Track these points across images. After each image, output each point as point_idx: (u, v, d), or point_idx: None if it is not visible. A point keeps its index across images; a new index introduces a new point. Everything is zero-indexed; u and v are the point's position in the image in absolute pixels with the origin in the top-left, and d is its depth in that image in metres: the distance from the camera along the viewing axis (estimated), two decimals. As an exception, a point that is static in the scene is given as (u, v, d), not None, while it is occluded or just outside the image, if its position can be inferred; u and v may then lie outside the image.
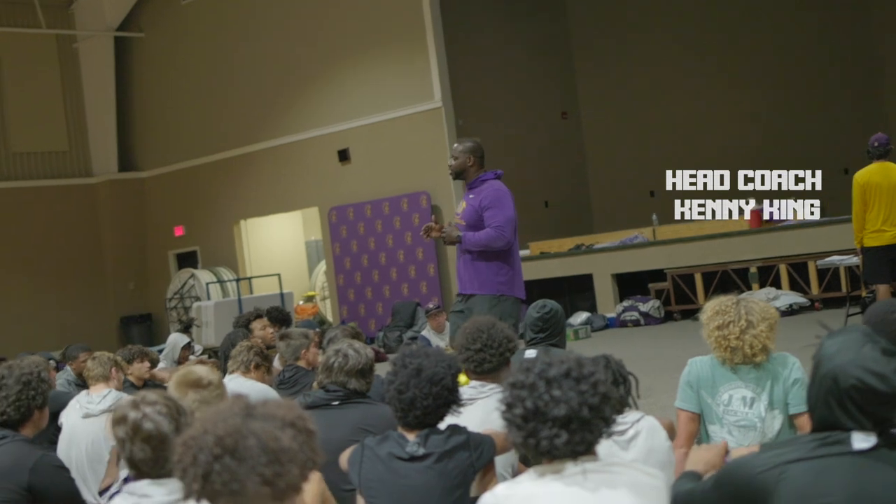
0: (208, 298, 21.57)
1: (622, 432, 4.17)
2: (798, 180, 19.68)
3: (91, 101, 25.08)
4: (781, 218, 16.77)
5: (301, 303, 23.22)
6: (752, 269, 16.46)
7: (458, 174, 8.41)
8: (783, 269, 16.16)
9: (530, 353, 5.86)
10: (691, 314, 16.66)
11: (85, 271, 24.71)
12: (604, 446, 4.10)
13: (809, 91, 22.13)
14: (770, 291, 15.86)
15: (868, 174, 10.85)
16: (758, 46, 22.53)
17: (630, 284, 17.88)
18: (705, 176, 22.25)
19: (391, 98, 20.18)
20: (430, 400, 3.98)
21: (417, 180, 19.81)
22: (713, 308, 4.83)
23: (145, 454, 3.43)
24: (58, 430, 7.08)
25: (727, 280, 16.57)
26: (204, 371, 4.57)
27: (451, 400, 4.05)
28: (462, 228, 8.30)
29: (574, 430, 2.89)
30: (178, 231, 24.56)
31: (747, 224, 16.98)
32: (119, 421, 3.64)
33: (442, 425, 4.10)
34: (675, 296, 17.12)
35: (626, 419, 4.21)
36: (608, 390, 2.98)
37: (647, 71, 23.37)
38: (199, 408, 4.36)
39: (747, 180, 20.66)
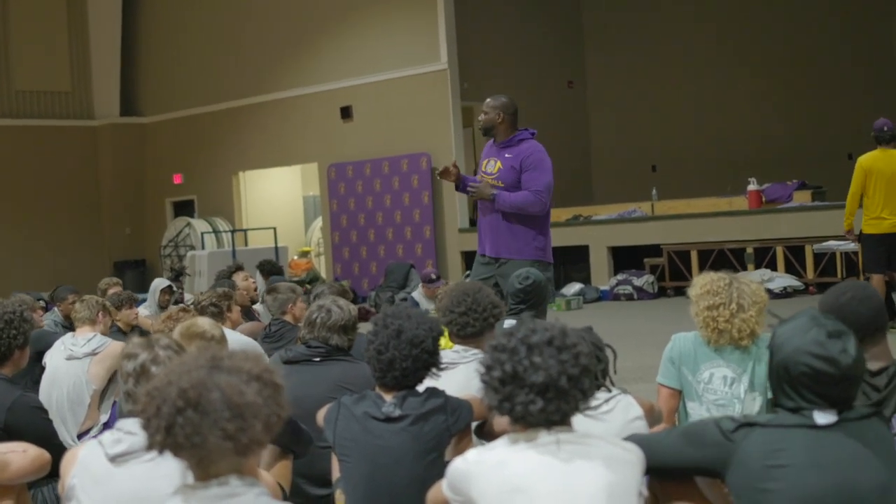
0: (203, 248, 21.54)
1: (596, 407, 4.13)
2: (799, 163, 19.75)
3: (96, 43, 24.90)
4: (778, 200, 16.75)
5: (296, 258, 23.17)
6: (749, 250, 16.42)
7: (486, 130, 8.15)
8: (779, 251, 16.11)
9: (510, 323, 5.81)
10: (685, 291, 16.59)
11: (82, 214, 24.65)
12: (577, 421, 4.09)
13: (819, 73, 21.97)
14: (765, 273, 15.82)
15: (872, 159, 10.80)
16: (770, 25, 22.37)
17: (625, 258, 17.84)
18: (706, 155, 22.42)
19: (397, 57, 20.06)
20: (410, 362, 3.94)
21: (419, 141, 19.72)
22: (704, 286, 4.77)
23: None
24: (42, 369, 7.06)
25: (723, 259, 16.50)
26: (208, 324, 4.56)
27: (430, 363, 4.01)
28: (498, 189, 8.00)
29: (550, 399, 2.87)
30: (177, 179, 24.49)
31: (746, 204, 16.93)
32: (130, 356, 3.64)
33: (421, 388, 4.06)
34: (669, 272, 17.09)
35: (600, 394, 4.16)
36: (589, 363, 2.95)
37: (656, 43, 23.26)
38: None
39: (749, 160, 20.71)
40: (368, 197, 20.51)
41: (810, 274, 15.85)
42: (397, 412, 3.91)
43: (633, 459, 3.00)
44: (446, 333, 4.92)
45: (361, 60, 20.62)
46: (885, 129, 10.80)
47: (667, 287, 16.95)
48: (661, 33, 23.23)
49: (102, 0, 24.58)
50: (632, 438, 3.30)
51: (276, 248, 20.49)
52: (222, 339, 4.47)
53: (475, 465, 2.94)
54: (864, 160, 10.88)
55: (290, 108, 21.92)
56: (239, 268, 9.81)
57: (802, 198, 16.81)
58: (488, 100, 8.25)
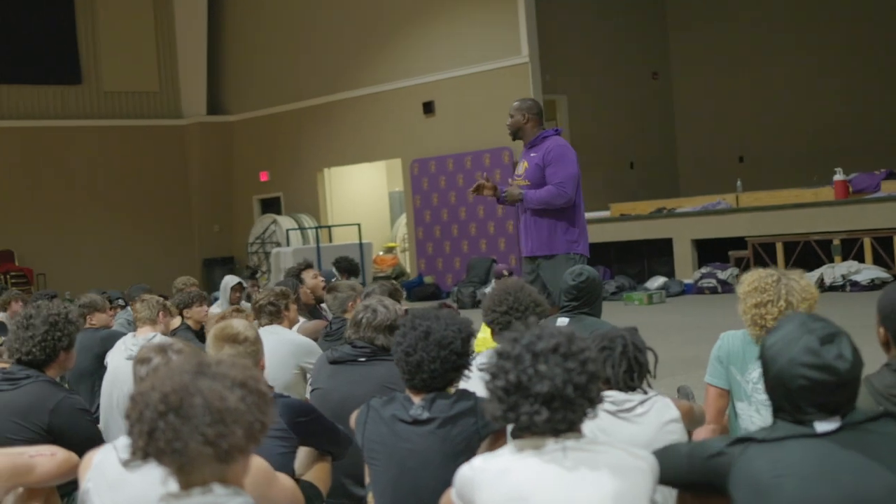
0: (288, 244, 21.69)
1: (630, 409, 4.03)
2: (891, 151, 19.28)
3: (183, 43, 25.25)
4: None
5: (381, 253, 23.24)
6: (836, 241, 16.06)
7: (514, 133, 8.23)
8: (867, 242, 15.74)
9: (563, 321, 5.73)
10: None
11: (171, 212, 25.01)
12: (609, 423, 4.00)
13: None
14: (852, 265, 15.50)
15: None
16: (862, 9, 21.84)
17: (710, 251, 17.57)
18: (795, 145, 22.02)
19: (478, 51, 20.02)
20: (438, 363, 3.86)
21: (501, 136, 19.37)
22: (752, 283, 4.62)
23: None
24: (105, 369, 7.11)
25: (809, 251, 16.21)
26: (242, 326, 4.51)
27: (459, 364, 3.93)
28: (525, 189, 8.08)
29: (556, 409, 2.79)
30: (263, 176, 24.71)
31: (832, 195, 16.58)
32: (142, 361, 3.65)
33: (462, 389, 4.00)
34: (755, 264, 16.71)
35: (634, 396, 4.06)
36: (597, 369, 2.86)
37: (742, 31, 22.91)
38: None
39: (839, 149, 20.27)
40: (451, 192, 20.49)
41: (900, 265, 15.49)
42: (425, 415, 3.84)
43: (644, 467, 2.90)
44: (489, 332, 4.85)
45: (442, 55, 20.62)
46: None
47: (752, 280, 16.65)
48: (747, 20, 22.86)
49: (189, 1, 24.84)
50: (657, 450, 3.22)
51: (361, 245, 20.56)
52: (256, 341, 4.43)
53: (480, 472, 2.88)
54: None
55: (372, 104, 21.99)
56: (308, 265, 9.80)
57: (891, 187, 16.40)
58: (514, 103, 8.32)
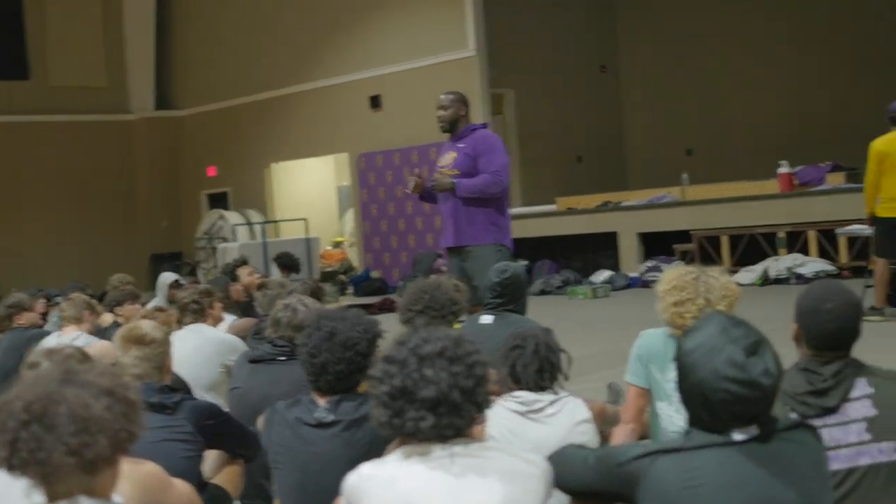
0: (235, 240, 21.54)
1: (540, 409, 3.98)
2: (837, 144, 19.33)
3: (131, 38, 24.98)
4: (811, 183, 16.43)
5: (329, 248, 23.14)
6: (781, 234, 16.09)
7: (451, 125, 8.18)
8: (812, 235, 15.78)
9: (486, 319, 5.67)
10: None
11: (119, 208, 24.78)
12: (518, 424, 3.94)
13: (858, 51, 21.49)
14: (797, 258, 15.54)
15: (886, 142, 10.49)
16: (809, 11, 21.93)
17: (656, 244, 17.57)
18: (742, 138, 22.09)
19: (425, 45, 19.93)
20: (343, 365, 3.80)
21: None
22: (670, 281, 4.57)
23: None
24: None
25: (754, 244, 16.24)
26: (149, 327, 4.42)
27: (364, 366, 3.85)
28: (456, 178, 8.03)
29: (442, 414, 2.72)
30: (211, 171, 24.55)
31: (777, 188, 16.62)
32: (31, 366, 3.57)
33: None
34: (700, 258, 16.75)
35: (544, 397, 4.01)
36: (484, 372, 2.79)
37: (690, 24, 22.95)
38: (140, 364, 4.24)
39: (787, 142, 20.34)
40: (398, 186, 20.38)
41: (844, 258, 15.51)
42: (330, 417, 3.77)
43: (536, 472, 2.84)
44: None
45: (390, 49, 20.52)
46: None
47: (697, 273, 16.65)
48: (696, 14, 22.91)
49: (136, -6, 24.67)
50: (555, 454, 3.16)
51: (308, 240, 20.43)
52: (164, 342, 4.35)
53: (367, 479, 2.81)
54: (878, 143, 10.56)
55: (320, 98, 21.87)
56: (244, 262, 9.70)
57: (836, 180, 16.45)
58: (444, 96, 8.30)
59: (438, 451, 2.74)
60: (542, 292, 17.03)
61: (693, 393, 2.82)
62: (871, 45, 21.35)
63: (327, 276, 20.74)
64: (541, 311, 13.31)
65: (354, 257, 22.58)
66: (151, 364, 4.25)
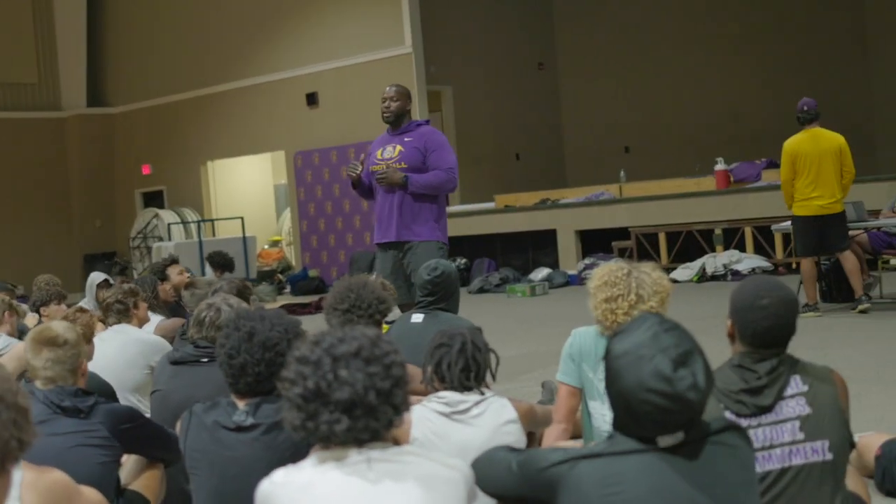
0: (170, 239, 21.28)
1: (465, 410, 3.87)
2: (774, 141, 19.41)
3: (62, 34, 24.63)
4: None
5: (266, 247, 22.94)
6: (717, 231, 16.14)
7: (396, 118, 8.04)
8: (748, 231, 15.85)
9: (417, 318, 5.56)
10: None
11: (51, 207, 24.39)
12: (442, 425, 3.82)
13: (792, 50, 21.66)
14: (734, 254, 15.60)
15: (797, 143, 10.63)
16: (746, 10, 22.06)
17: (594, 241, 17.55)
18: (680, 135, 22.17)
19: (361, 42, 19.79)
20: (263, 366, 3.65)
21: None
22: (601, 277, 4.46)
23: None
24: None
25: (691, 241, 16.28)
26: (62, 328, 4.25)
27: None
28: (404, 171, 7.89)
29: (357, 417, 2.58)
30: (146, 169, 24.23)
31: (714, 184, 16.66)
32: None
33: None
34: (638, 255, 16.77)
35: (470, 397, 3.91)
36: (403, 373, 2.66)
37: (627, 22, 23.01)
38: (52, 367, 4.08)
39: (719, 141, 20.44)
40: (335, 184, 20.25)
41: (780, 254, 15.59)
42: (249, 421, 3.63)
43: (456, 477, 2.72)
44: None
45: (326, 46, 20.36)
46: (805, 108, 10.61)
47: (635, 270, 16.63)
48: (632, 12, 22.96)
49: (67, -11, 24.29)
50: (479, 459, 3.05)
51: (244, 238, 20.25)
52: (77, 343, 4.18)
53: (280, 486, 2.67)
54: (789, 144, 10.70)
55: (256, 95, 21.66)
56: (174, 261, 9.49)
57: (772, 177, 16.48)
58: (391, 88, 8.19)
59: (355, 455, 2.61)
60: (481, 290, 16.95)
61: (618, 399, 2.71)
62: (808, 43, 21.51)
63: (265, 276, 20.56)
64: (478, 310, 13.28)
65: (292, 256, 22.41)
66: (64, 367, 4.08)
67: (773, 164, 16.83)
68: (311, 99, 20.63)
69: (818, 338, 9.09)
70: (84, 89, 24.69)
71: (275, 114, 21.28)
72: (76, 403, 3.98)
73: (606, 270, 4.48)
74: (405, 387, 2.66)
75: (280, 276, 21.00)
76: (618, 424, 2.74)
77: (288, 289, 20.11)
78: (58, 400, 3.97)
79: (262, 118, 21.55)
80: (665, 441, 2.66)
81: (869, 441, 4.68)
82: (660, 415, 2.63)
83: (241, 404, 3.69)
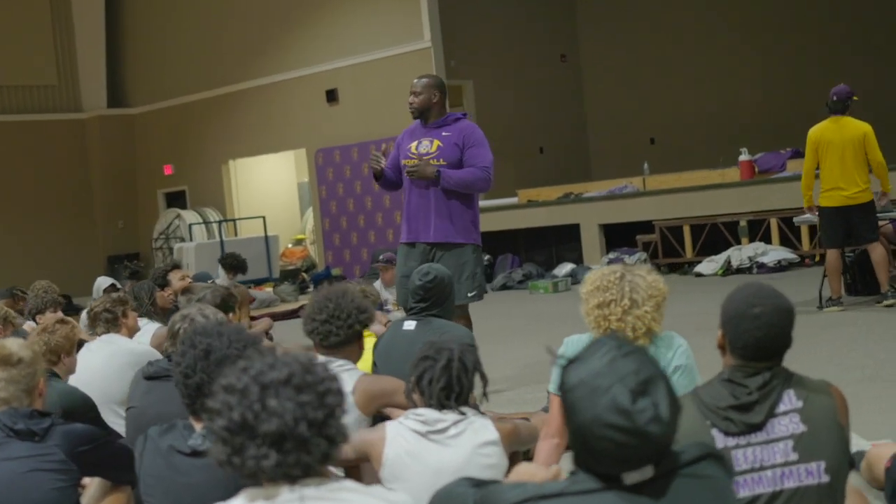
0: (191, 239, 21.14)
1: (442, 430, 3.63)
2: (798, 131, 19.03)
3: (81, 36, 24.60)
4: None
5: (290, 246, 22.76)
6: (742, 223, 15.81)
7: (421, 112, 7.64)
8: (773, 223, 15.51)
9: (409, 325, 5.32)
10: (679, 268, 16.13)
11: (74, 209, 24.36)
12: (417, 445, 3.59)
13: (818, 39, 21.26)
14: (759, 246, 15.27)
15: (821, 131, 10.35)
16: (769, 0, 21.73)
17: (618, 235, 17.25)
18: (704, 126, 21.82)
19: (380, 38, 19.59)
20: (219, 386, 3.41)
21: (405, 122, 19.02)
22: (594, 282, 4.21)
23: None
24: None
25: (716, 233, 15.97)
26: (16, 346, 4.03)
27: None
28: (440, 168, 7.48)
29: (288, 451, 2.33)
30: (168, 170, 24.12)
31: (738, 176, 16.34)
32: None
33: None
34: (662, 248, 16.51)
35: (448, 416, 3.66)
36: (338, 401, 2.41)
37: (651, 11, 22.67)
38: (5, 388, 3.87)
39: (749, 130, 20.09)
40: (356, 181, 20.04)
41: (806, 246, 15.25)
42: (206, 445, 3.38)
43: (399, 514, 2.48)
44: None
45: (344, 42, 20.16)
46: (835, 98, 10.31)
47: (660, 264, 16.31)
48: (656, 2, 22.64)
49: (86, -9, 24.21)
50: (437, 495, 2.82)
51: (266, 237, 20.08)
52: (33, 362, 3.97)
53: (207, 529, 2.44)
54: (813, 132, 10.41)
55: (275, 93, 21.49)
56: (176, 265, 9.25)
57: (796, 167, 16.13)
58: (418, 80, 7.76)
59: (286, 493, 2.36)
60: (504, 287, 16.72)
61: (575, 435, 2.40)
62: (832, 32, 21.12)
63: (288, 275, 20.38)
64: (498, 307, 13.04)
65: (317, 254, 22.23)
66: (19, 387, 3.87)
67: (798, 154, 16.50)
68: (331, 96, 20.43)
69: (842, 333, 8.80)
70: (104, 90, 24.62)
71: (295, 111, 21.10)
72: (30, 426, 3.76)
73: (599, 274, 4.26)
74: (341, 416, 2.41)
75: (305, 275, 20.80)
76: (578, 461, 2.46)
77: (311, 287, 19.91)
78: (10, 423, 3.76)
79: (281, 116, 21.37)
80: (631, 478, 2.36)
81: (880, 451, 4.37)
82: (619, 451, 2.33)
83: (198, 427, 3.46)
